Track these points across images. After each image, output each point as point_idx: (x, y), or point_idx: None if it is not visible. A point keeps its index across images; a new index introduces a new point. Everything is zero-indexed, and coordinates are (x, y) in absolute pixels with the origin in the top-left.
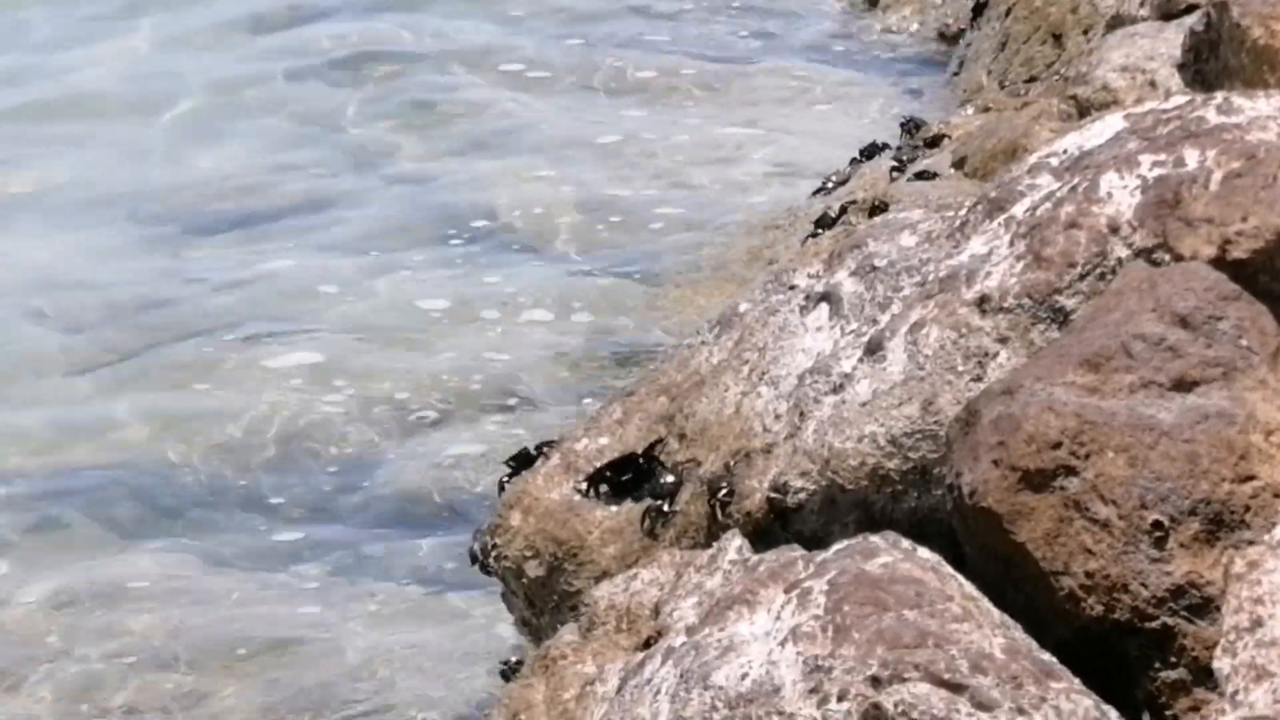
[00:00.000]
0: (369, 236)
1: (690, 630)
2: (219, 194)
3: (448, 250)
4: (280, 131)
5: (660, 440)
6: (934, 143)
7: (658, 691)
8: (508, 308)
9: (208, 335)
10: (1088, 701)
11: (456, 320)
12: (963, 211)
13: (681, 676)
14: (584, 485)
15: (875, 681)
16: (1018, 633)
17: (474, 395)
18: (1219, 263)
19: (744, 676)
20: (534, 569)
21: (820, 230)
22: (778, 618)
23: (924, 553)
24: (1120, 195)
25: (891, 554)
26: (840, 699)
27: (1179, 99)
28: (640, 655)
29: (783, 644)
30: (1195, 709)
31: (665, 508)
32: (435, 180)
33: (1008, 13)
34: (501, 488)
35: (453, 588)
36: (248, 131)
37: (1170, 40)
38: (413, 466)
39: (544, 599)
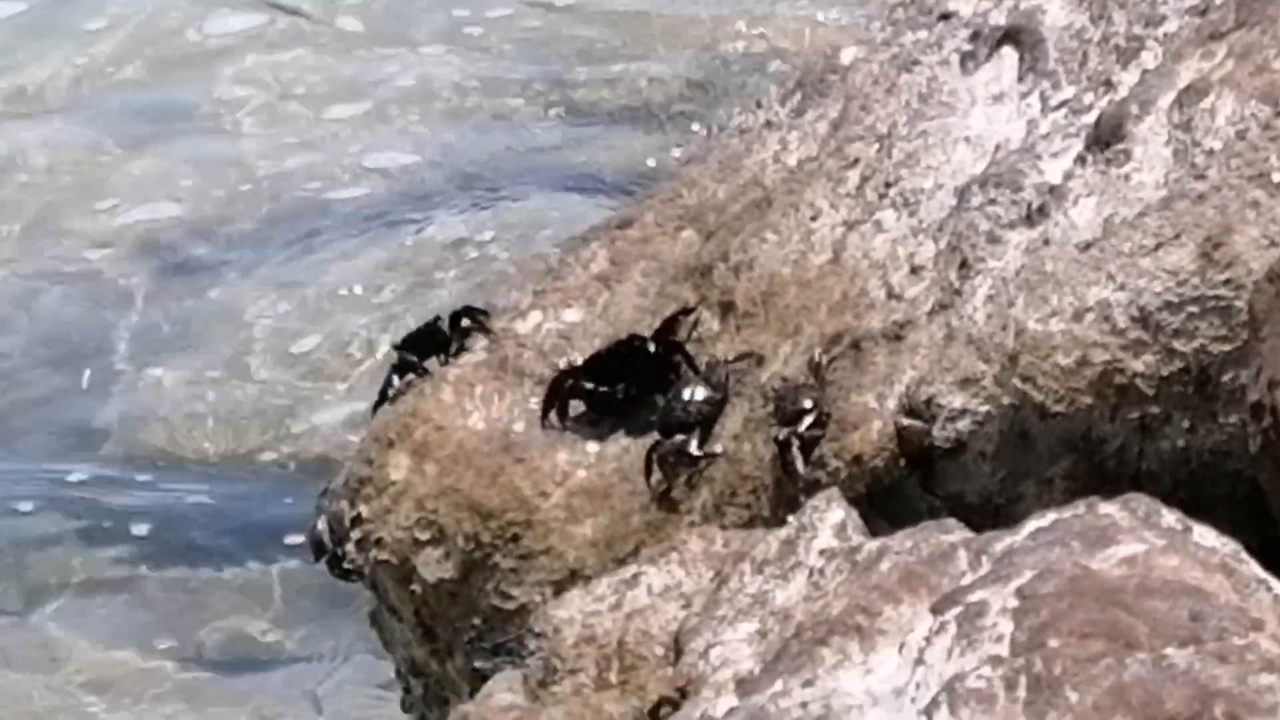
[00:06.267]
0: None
1: (744, 685)
2: None
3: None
4: None
5: (685, 312)
6: None
7: None
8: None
9: None
10: None
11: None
12: None
13: None
14: (539, 403)
15: None
16: None
17: None
18: None
19: None
20: (434, 564)
21: None
22: (919, 660)
23: (1204, 535)
24: None
25: (1142, 537)
26: None
27: None
28: None
29: (928, 712)
30: None
31: (693, 448)
32: None
33: None
34: (378, 404)
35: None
36: None
37: None
38: None
39: (454, 621)
